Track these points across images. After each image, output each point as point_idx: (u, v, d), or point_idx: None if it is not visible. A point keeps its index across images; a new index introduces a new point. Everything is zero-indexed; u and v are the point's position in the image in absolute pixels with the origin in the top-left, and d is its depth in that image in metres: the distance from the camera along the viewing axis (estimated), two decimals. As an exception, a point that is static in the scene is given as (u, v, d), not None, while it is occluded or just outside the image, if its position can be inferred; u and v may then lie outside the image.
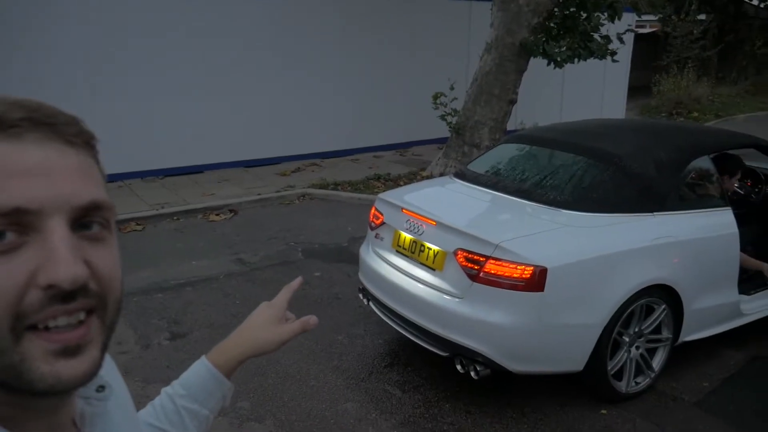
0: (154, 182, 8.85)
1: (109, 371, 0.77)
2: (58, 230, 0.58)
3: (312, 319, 1.12)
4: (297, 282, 1.22)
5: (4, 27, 7.72)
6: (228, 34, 9.26)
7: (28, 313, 0.56)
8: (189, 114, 9.15)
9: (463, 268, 3.42)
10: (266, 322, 1.11)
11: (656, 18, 20.61)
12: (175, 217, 7.45)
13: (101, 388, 0.72)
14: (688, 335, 3.87)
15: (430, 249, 3.67)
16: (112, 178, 8.68)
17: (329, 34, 10.23)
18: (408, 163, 10.35)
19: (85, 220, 0.61)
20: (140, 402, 3.40)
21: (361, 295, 4.36)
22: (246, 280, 5.55)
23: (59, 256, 0.57)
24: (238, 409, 3.63)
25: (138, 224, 7.15)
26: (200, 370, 1.06)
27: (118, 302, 0.65)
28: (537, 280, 3.21)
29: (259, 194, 8.26)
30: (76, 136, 0.64)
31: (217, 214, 7.58)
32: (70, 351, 0.58)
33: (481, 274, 3.33)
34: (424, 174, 9.09)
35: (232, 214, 7.64)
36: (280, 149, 10.10)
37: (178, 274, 5.71)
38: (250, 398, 3.74)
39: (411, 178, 9.02)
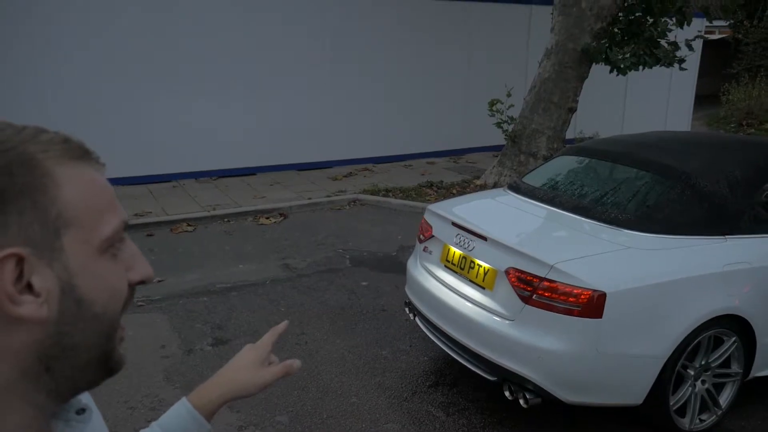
0: (207, 183, 8.93)
1: (85, 394, 0.80)
2: (129, 239, 0.72)
3: (295, 363, 1.12)
4: (282, 326, 1.22)
5: (31, 27, 7.91)
6: (281, 38, 9.26)
7: (127, 306, 0.71)
8: (243, 116, 9.22)
9: (515, 288, 3.22)
10: (249, 365, 1.11)
11: (727, 24, 19.75)
12: (225, 219, 7.47)
13: (81, 410, 0.74)
14: (760, 370, 3.56)
15: (480, 266, 3.49)
16: (167, 178, 8.83)
17: (384, 38, 10.13)
18: (461, 170, 10.14)
19: None
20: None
21: (407, 309, 4.20)
22: (292, 287, 5.48)
23: (143, 258, 0.73)
24: (276, 423, 3.53)
25: (189, 225, 7.20)
26: (180, 411, 1.05)
27: None
28: (595, 306, 2.99)
29: (309, 198, 8.21)
30: None
31: (267, 218, 7.56)
32: (122, 339, 0.72)
33: (534, 297, 3.13)
34: (478, 182, 8.86)
35: (282, 217, 7.61)
36: (332, 153, 10.06)
37: (225, 277, 5.68)
38: (289, 412, 3.64)
39: (464, 186, 8.82)
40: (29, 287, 0.61)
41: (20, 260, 0.60)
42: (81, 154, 0.68)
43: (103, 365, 0.69)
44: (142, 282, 0.71)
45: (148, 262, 0.73)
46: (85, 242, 0.65)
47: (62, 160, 0.65)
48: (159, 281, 5.54)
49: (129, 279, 0.70)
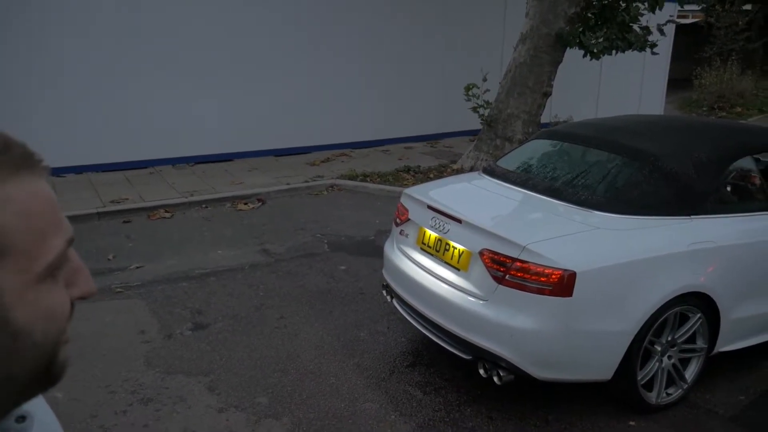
0: (184, 169, 8.89)
1: (37, 402, 0.74)
2: (74, 251, 0.64)
3: None
4: None
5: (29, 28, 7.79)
6: (259, 23, 9.21)
7: (69, 321, 0.63)
8: (220, 102, 9.17)
9: (489, 269, 3.31)
10: None
11: (699, 8, 19.98)
12: (203, 205, 7.47)
13: (21, 418, 0.68)
14: (724, 345, 3.69)
15: (455, 248, 3.56)
16: (144, 164, 8.77)
17: (360, 22, 10.12)
18: (438, 155, 10.21)
19: None
20: (160, 392, 3.36)
21: (384, 292, 4.28)
22: (270, 272, 5.52)
23: (86, 272, 0.64)
24: (256, 404, 3.59)
25: (167, 211, 7.18)
26: None
27: None
28: (565, 285, 3.09)
29: (287, 184, 8.23)
30: None
31: (245, 203, 7.57)
32: (66, 342, 0.64)
33: (507, 277, 3.21)
34: (455, 167, 8.94)
35: (260, 203, 7.62)
36: (310, 139, 10.05)
37: (204, 263, 5.70)
38: (269, 394, 3.70)
39: (441, 170, 8.89)
40: None
41: None
42: (22, 162, 0.58)
43: (44, 381, 0.62)
44: (82, 298, 0.64)
45: (90, 276, 0.64)
46: (24, 271, 0.56)
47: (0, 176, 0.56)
48: (138, 267, 5.55)
49: (69, 295, 0.62)
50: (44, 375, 0.61)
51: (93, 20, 8.06)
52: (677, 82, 17.02)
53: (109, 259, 5.71)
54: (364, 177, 8.58)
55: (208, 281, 5.30)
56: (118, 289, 5.08)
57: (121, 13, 8.21)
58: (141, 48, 8.43)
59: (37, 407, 0.73)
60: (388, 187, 8.13)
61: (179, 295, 5.02)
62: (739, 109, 15.73)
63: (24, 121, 7.66)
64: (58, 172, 7.95)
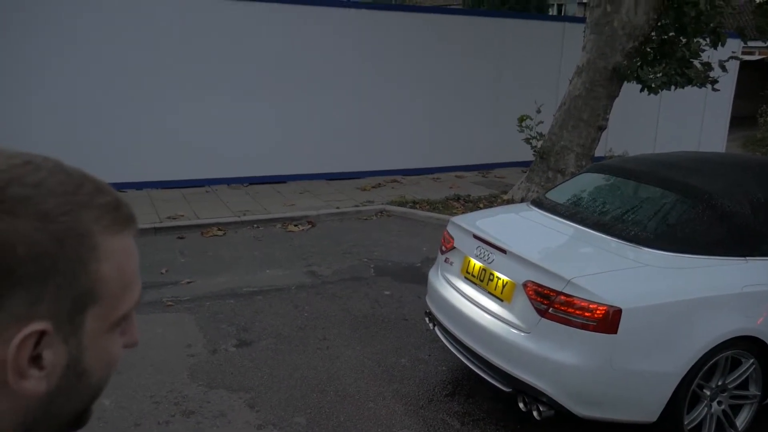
0: (239, 189, 9.13)
1: None
2: None
3: None
4: None
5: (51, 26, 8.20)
6: (317, 50, 9.45)
7: None
8: (275, 125, 9.41)
9: (532, 301, 3.28)
10: None
11: (766, 44, 19.44)
12: (255, 225, 7.64)
13: None
14: (779, 394, 3.54)
15: (499, 279, 3.55)
16: (201, 183, 9.05)
17: (416, 51, 10.26)
18: (489, 185, 10.18)
19: None
20: (202, 406, 3.42)
21: (427, 319, 4.27)
22: (316, 293, 5.59)
23: (135, 323, 0.70)
24: (294, 424, 3.63)
25: (220, 229, 7.37)
26: None
27: None
28: (610, 321, 3.03)
29: (337, 207, 8.34)
30: None
31: (295, 225, 7.70)
32: None
33: (551, 310, 3.18)
34: (505, 197, 8.89)
35: (310, 225, 7.74)
36: (362, 164, 10.19)
37: (252, 281, 5.82)
38: (307, 414, 3.73)
39: (491, 200, 8.86)
40: (36, 358, 0.58)
41: (42, 334, 0.58)
42: (126, 221, 0.65)
43: (75, 423, 0.67)
44: (126, 347, 0.69)
45: (137, 327, 0.71)
46: (104, 319, 0.63)
47: (110, 230, 0.63)
48: (188, 282, 5.70)
49: (125, 342, 0.69)
50: (78, 418, 0.67)
51: (157, 45, 8.44)
52: (742, 120, 16.54)
53: (162, 273, 5.89)
54: (414, 204, 8.62)
55: (255, 299, 5.40)
56: (169, 303, 5.23)
57: (184, 39, 8.58)
58: (200, 72, 8.77)
59: None
60: (437, 215, 8.14)
61: (226, 312, 5.13)
62: (806, 150, 15.12)
63: (90, 138, 8.05)
64: (120, 187, 8.29)
